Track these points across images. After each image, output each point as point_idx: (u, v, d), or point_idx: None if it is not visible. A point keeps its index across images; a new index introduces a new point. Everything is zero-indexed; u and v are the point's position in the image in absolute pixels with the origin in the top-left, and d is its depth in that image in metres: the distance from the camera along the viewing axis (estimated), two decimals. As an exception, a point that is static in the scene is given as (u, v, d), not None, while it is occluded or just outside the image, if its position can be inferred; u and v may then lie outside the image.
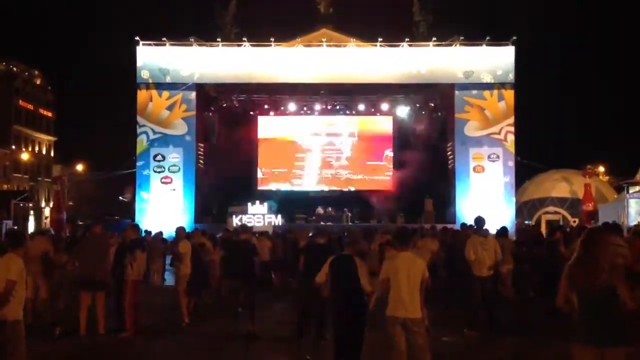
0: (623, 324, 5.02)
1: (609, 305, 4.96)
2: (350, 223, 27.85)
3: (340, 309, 7.33)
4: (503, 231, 12.90)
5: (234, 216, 25.79)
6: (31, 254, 11.41)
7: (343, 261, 7.47)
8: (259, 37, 27.08)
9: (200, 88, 27.78)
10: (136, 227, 11.52)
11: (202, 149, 28.40)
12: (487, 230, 10.90)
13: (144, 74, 26.91)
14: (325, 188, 32.36)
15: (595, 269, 5.00)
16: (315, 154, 32.67)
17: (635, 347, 5.08)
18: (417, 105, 31.13)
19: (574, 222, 27.99)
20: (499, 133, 26.86)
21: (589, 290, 4.99)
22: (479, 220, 10.67)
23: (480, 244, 10.24)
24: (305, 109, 31.96)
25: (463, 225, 15.48)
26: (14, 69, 61.12)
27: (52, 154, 65.78)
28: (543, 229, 24.89)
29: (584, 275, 5.03)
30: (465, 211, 25.72)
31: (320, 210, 29.58)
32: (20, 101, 59.67)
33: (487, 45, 26.88)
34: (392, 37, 27.27)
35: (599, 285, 4.96)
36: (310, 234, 10.97)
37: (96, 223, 11.11)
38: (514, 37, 26.78)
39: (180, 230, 12.65)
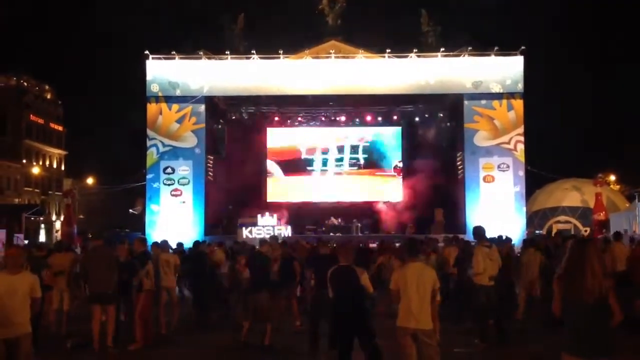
0: (610, 334, 5.01)
1: (599, 316, 4.94)
2: (359, 234, 27.79)
3: (344, 320, 7.32)
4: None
5: (243, 228, 25.82)
6: (56, 268, 11.55)
7: (343, 272, 7.45)
8: (268, 49, 27.18)
9: (210, 101, 27.87)
10: (144, 240, 11.56)
11: (211, 161, 28.45)
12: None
13: (154, 88, 27.06)
14: (335, 199, 32.34)
15: (587, 280, 4.97)
16: (325, 165, 32.70)
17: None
18: (426, 115, 31.09)
19: (585, 231, 27.85)
20: (509, 143, 26.77)
21: (581, 301, 4.97)
22: (481, 231, 10.59)
23: (486, 254, 10.20)
24: (314, 120, 32.02)
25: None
26: (25, 83, 61.73)
27: (62, 168, 66.20)
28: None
29: (576, 287, 5.00)
30: (476, 221, 25.48)
31: (329, 221, 29.56)
32: (31, 116, 60.18)
33: (495, 55, 26.85)
34: (401, 48, 27.29)
35: (592, 296, 4.94)
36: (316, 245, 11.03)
37: (97, 238, 11.19)
38: (523, 47, 26.74)
39: (163, 242, 12.73)
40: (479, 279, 10.11)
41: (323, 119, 31.79)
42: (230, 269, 13.14)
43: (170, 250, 12.90)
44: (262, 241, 12.53)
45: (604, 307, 4.94)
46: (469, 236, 22.08)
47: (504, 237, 15.04)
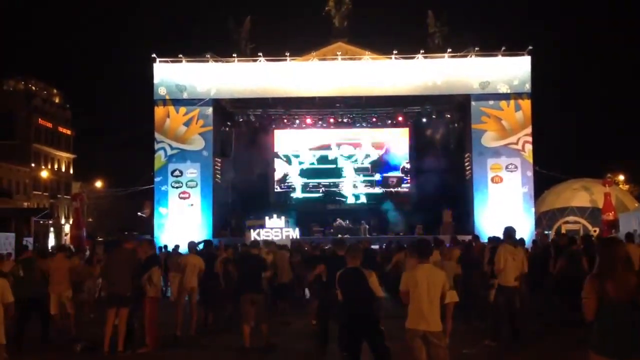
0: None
1: (632, 316, 4.89)
2: (367, 235, 27.73)
3: (353, 323, 7.30)
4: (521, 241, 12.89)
5: (251, 230, 25.83)
6: (55, 271, 11.54)
7: (352, 275, 7.42)
8: (275, 52, 27.18)
9: (217, 103, 27.91)
10: (151, 243, 11.45)
11: (219, 164, 28.50)
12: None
13: (161, 91, 27.10)
14: (342, 200, 32.33)
15: (625, 277, 4.94)
16: (332, 166, 32.70)
17: None
18: (434, 116, 31.02)
19: (595, 231, 27.70)
20: (517, 143, 26.68)
21: (619, 299, 4.92)
22: (511, 232, 10.49)
23: (510, 253, 10.11)
24: (321, 122, 31.99)
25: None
26: (33, 87, 61.96)
27: (71, 171, 66.38)
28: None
29: (614, 285, 4.95)
30: (484, 222, 25.56)
31: (337, 222, 29.54)
32: (40, 119, 60.35)
33: (502, 55, 26.74)
34: (407, 49, 27.24)
35: (630, 294, 4.89)
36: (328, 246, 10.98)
37: (128, 239, 11.01)
38: (530, 47, 26.64)
39: (190, 244, 12.50)
40: (502, 279, 10.00)
41: (331, 120, 31.77)
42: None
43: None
44: (254, 243, 12.32)
45: (636, 306, 4.90)
46: (481, 238, 22.04)
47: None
